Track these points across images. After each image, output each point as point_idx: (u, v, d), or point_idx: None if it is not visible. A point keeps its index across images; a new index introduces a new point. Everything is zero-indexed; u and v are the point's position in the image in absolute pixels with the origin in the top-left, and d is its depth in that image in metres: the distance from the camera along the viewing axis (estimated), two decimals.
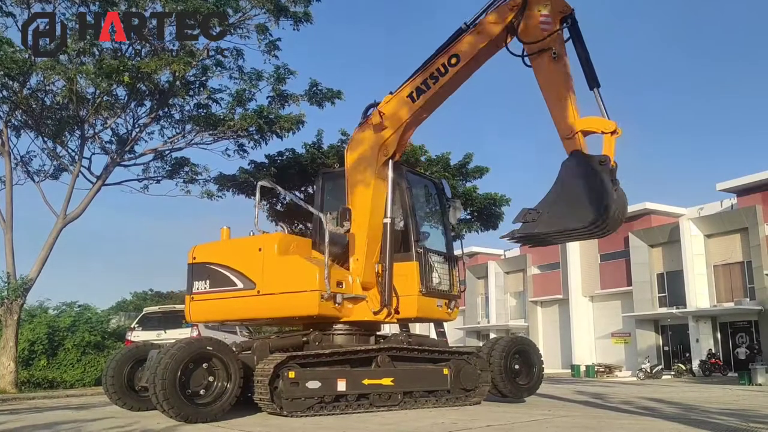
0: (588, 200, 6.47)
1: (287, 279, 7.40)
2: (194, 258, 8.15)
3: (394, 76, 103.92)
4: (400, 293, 8.02)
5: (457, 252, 9.26)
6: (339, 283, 7.57)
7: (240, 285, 7.65)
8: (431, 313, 8.40)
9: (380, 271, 7.99)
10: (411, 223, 8.33)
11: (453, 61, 7.66)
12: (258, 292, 7.51)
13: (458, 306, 8.96)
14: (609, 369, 33.21)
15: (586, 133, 6.80)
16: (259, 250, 7.65)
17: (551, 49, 6.98)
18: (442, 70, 7.73)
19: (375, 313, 7.86)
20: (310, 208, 8.54)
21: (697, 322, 31.11)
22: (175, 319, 14.51)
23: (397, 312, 8.03)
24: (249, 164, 19.71)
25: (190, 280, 8.10)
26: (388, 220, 8.09)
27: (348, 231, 7.88)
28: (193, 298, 8.05)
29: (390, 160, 8.22)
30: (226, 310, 7.93)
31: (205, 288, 7.93)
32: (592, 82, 6.88)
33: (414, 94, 7.92)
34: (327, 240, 7.43)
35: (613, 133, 6.58)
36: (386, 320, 8.07)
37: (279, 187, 9.63)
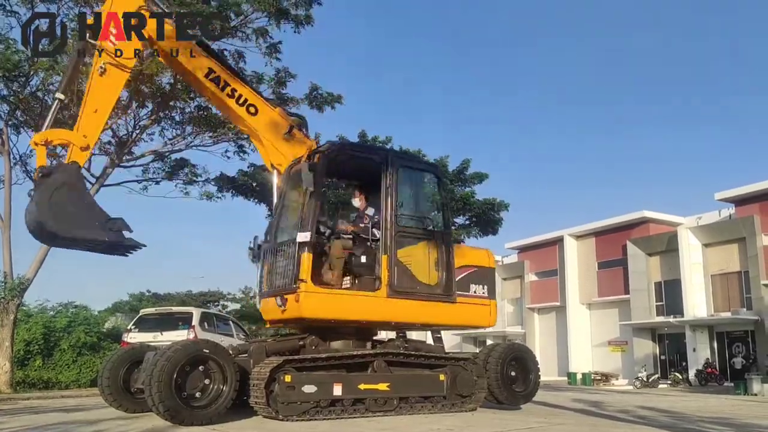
0: None
1: None
2: None
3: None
4: None
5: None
6: None
7: None
8: (271, 314, 7.56)
9: None
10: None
11: None
12: None
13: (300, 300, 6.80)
14: (605, 377, 33.20)
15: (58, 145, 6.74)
16: None
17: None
18: None
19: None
20: None
21: (694, 331, 31.14)
22: (172, 321, 14.47)
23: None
24: (249, 167, 19.72)
25: None
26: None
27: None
28: None
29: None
30: None
31: None
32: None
33: None
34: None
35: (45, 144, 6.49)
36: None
37: None
